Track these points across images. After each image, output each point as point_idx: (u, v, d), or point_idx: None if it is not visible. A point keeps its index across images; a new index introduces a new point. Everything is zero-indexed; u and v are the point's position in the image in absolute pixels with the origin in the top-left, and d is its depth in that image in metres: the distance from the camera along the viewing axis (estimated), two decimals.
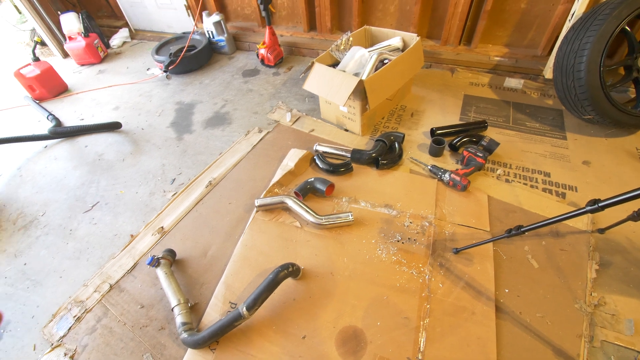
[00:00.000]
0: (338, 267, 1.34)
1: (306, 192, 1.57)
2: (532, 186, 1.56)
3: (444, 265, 1.32)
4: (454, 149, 1.75)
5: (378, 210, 1.52)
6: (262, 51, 2.69)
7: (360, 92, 1.68)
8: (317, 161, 1.73)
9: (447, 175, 1.58)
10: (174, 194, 1.78)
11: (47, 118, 2.43)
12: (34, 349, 1.28)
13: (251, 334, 1.19)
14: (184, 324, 1.18)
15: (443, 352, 1.10)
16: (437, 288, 1.25)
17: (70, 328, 1.30)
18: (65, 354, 1.22)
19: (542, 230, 1.38)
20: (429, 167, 1.65)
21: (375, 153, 1.68)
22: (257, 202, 1.53)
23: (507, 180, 1.60)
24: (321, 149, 1.78)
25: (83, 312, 1.33)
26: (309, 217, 1.44)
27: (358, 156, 1.70)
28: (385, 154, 1.73)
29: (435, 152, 1.74)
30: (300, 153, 1.77)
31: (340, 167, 1.67)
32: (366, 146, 1.86)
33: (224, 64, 2.94)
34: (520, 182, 1.58)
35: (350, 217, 1.42)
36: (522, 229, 1.01)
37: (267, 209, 1.55)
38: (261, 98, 2.42)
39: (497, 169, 1.65)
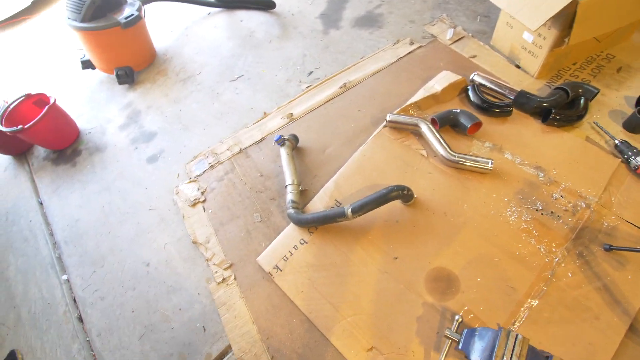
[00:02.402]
0: (454, 210, 1.22)
1: (445, 123, 1.39)
2: None
3: (584, 257, 1.08)
4: None
5: (524, 169, 1.28)
6: None
7: (566, 17, 1.27)
8: (470, 92, 1.48)
9: (639, 159, 1.19)
10: (309, 86, 1.79)
11: None
12: (177, 177, 1.57)
13: (347, 234, 1.22)
14: (293, 201, 1.27)
15: (541, 336, 0.97)
16: (564, 275, 1.06)
17: (204, 171, 1.54)
18: (199, 189, 1.48)
19: None
20: (617, 141, 1.26)
21: (548, 103, 1.35)
22: (389, 117, 1.43)
23: None
24: (479, 79, 1.50)
25: (216, 162, 1.55)
26: (440, 149, 1.30)
27: (524, 100, 1.38)
28: (561, 107, 1.37)
29: (635, 126, 1.31)
30: (452, 77, 1.53)
31: (495, 107, 1.41)
32: (538, 92, 1.49)
33: None
34: None
35: (490, 165, 1.22)
36: None
37: (396, 126, 1.44)
38: (423, 5, 2.09)
39: None
